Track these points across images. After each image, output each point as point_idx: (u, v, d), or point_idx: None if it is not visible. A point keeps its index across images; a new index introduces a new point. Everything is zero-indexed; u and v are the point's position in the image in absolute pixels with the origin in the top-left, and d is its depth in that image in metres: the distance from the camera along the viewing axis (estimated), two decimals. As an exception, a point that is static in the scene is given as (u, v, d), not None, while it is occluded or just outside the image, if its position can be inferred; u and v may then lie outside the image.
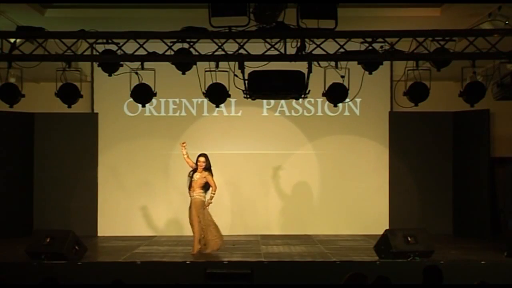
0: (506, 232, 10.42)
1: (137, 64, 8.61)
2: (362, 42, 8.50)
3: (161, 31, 8.33)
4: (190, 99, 12.88)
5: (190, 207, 10.04)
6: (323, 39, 8.33)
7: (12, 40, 8.52)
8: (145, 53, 8.42)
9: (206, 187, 10.01)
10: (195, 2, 8.73)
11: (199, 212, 9.94)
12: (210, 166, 10.04)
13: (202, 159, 10.05)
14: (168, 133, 12.90)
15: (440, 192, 12.84)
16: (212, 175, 10.01)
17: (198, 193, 9.97)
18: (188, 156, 10.19)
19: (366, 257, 9.62)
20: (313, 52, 8.32)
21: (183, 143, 10.22)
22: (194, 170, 10.05)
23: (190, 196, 10.03)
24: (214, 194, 9.92)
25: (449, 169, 12.86)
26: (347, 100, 9.02)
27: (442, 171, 12.87)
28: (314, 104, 12.90)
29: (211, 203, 9.96)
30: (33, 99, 10.82)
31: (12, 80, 9.11)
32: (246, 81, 8.49)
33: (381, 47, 8.54)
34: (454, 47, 8.56)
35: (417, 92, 8.82)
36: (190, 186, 10.03)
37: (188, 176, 10.08)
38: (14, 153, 12.57)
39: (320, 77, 8.73)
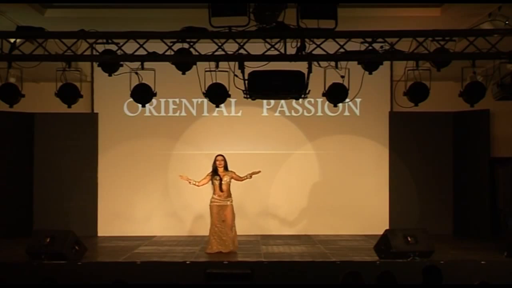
0: (506, 232, 10.41)
1: (137, 64, 8.60)
2: (362, 42, 8.49)
3: (161, 31, 8.32)
4: (190, 99, 12.89)
5: (225, 211, 10.20)
6: (323, 39, 8.32)
7: (12, 40, 8.51)
8: (145, 53, 8.41)
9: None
10: (195, 2, 8.72)
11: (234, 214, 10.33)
12: (227, 166, 10.35)
13: (220, 157, 10.36)
14: (168, 133, 12.91)
15: (440, 192, 12.85)
16: (234, 171, 10.33)
17: (231, 197, 10.30)
18: (198, 181, 10.30)
19: (366, 257, 9.63)
20: (313, 52, 8.31)
21: (184, 178, 10.32)
22: (217, 174, 10.23)
23: (223, 200, 10.21)
24: (247, 175, 10.28)
25: (449, 169, 12.87)
26: (347, 100, 9.01)
27: (442, 171, 12.87)
28: (314, 104, 12.91)
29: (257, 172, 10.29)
30: (33, 99, 10.82)
31: (12, 80, 9.10)
32: (246, 81, 8.48)
33: (381, 47, 8.54)
34: (454, 47, 8.55)
35: (417, 92, 8.81)
36: (221, 189, 10.19)
37: (215, 180, 10.21)
38: (14, 153, 12.57)
39: (320, 77, 8.73)
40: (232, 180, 10.32)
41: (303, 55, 8.24)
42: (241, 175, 10.30)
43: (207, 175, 10.27)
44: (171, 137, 12.91)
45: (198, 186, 10.29)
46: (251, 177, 10.31)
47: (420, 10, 9.50)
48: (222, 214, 10.21)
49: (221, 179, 10.20)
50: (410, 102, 8.94)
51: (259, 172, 10.32)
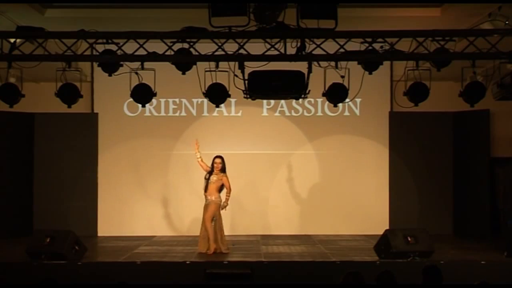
0: (506, 232, 10.41)
1: (137, 64, 8.60)
2: (362, 42, 8.49)
3: (161, 31, 8.32)
4: (190, 99, 12.89)
5: (205, 209, 10.17)
6: (323, 39, 8.32)
7: (12, 40, 8.51)
8: (145, 53, 8.41)
9: (222, 189, 10.25)
10: (195, 2, 8.72)
11: (215, 214, 10.17)
12: (225, 168, 10.26)
13: (218, 160, 10.28)
14: (168, 133, 12.91)
15: (440, 192, 12.85)
16: (227, 177, 10.21)
17: (215, 196, 10.18)
18: (202, 160, 10.36)
19: (366, 257, 9.63)
20: (313, 52, 8.31)
21: (197, 143, 10.41)
22: (210, 173, 10.22)
23: (206, 199, 10.19)
24: (229, 196, 10.15)
25: (449, 169, 12.87)
26: (347, 100, 9.01)
27: (442, 171, 12.87)
28: (314, 104, 12.91)
29: (227, 205, 10.17)
30: (33, 99, 10.81)
31: (12, 80, 9.10)
32: (246, 81, 8.48)
33: (381, 47, 8.53)
34: (454, 47, 8.55)
35: (417, 92, 8.81)
36: (206, 189, 10.19)
37: (205, 178, 10.24)
38: (14, 153, 12.57)
39: (320, 77, 8.73)
40: (231, 180, 10.29)
41: (303, 55, 8.24)
42: (227, 193, 10.13)
43: (208, 166, 10.25)
44: (171, 137, 12.91)
45: (198, 160, 10.31)
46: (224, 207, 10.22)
47: (420, 10, 9.49)
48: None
49: (209, 179, 10.19)
50: (410, 102, 8.94)
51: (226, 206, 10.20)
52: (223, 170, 10.24)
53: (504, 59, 8.46)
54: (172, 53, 8.48)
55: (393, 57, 8.69)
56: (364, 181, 12.89)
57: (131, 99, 9.09)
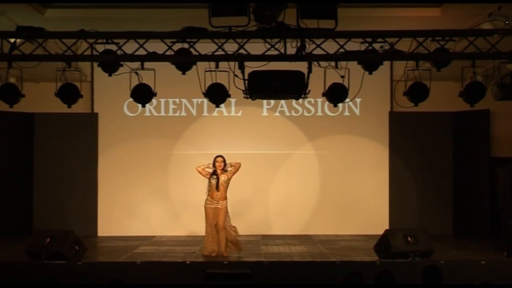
0: (506, 232, 10.41)
1: (137, 64, 8.59)
2: (362, 42, 8.48)
3: (161, 31, 8.32)
4: (190, 99, 12.90)
5: (219, 213, 9.98)
6: (323, 39, 8.32)
7: (12, 40, 8.51)
8: (145, 53, 8.40)
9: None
10: (195, 2, 8.72)
11: (226, 217, 10.07)
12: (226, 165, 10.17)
13: (220, 159, 10.11)
14: (168, 133, 12.92)
15: (440, 192, 12.86)
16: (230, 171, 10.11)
17: (225, 198, 10.03)
18: (203, 169, 10.16)
19: (366, 257, 9.64)
20: (313, 52, 8.31)
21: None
22: (214, 173, 10.04)
23: (218, 203, 10.00)
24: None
25: (449, 169, 12.88)
26: (347, 100, 9.00)
27: (442, 171, 12.88)
28: (314, 104, 12.91)
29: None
30: (33, 99, 10.82)
31: (12, 80, 9.09)
32: (246, 81, 8.47)
33: (381, 47, 8.52)
34: (454, 47, 8.55)
35: (417, 92, 8.80)
36: (217, 189, 9.97)
37: (212, 179, 10.00)
38: (14, 153, 12.58)
39: (320, 77, 8.72)
40: (231, 181, 10.19)
41: (303, 55, 8.23)
42: (231, 168, 10.10)
43: (208, 172, 10.07)
44: (171, 137, 12.92)
45: (198, 169, 10.13)
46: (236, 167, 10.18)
47: (420, 10, 9.49)
48: (215, 216, 10.03)
49: (218, 178, 10.04)
50: (410, 102, 8.93)
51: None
52: (224, 168, 10.14)
53: (504, 59, 8.45)
54: (172, 53, 8.47)
55: (393, 57, 8.69)
56: (364, 181, 12.90)
57: (131, 99, 9.08)
